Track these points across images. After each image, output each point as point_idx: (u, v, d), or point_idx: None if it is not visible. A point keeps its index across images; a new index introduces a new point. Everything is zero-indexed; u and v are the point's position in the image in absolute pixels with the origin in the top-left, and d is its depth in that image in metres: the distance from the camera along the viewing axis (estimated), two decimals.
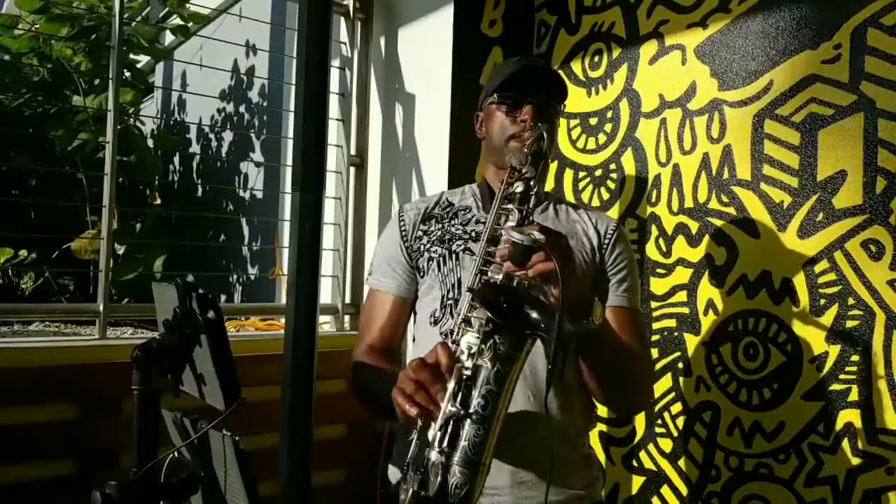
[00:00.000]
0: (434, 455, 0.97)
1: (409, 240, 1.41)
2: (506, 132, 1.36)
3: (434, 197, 1.49)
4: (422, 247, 1.40)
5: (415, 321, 1.45)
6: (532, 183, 1.16)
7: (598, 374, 1.27)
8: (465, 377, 0.99)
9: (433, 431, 0.99)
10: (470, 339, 1.05)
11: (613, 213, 1.98)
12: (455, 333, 1.10)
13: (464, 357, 1.03)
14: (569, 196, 2.11)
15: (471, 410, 0.97)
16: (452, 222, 1.41)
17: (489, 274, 1.12)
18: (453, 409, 0.97)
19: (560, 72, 1.43)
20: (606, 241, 1.40)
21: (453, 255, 1.36)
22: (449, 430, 0.97)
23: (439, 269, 1.36)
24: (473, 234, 1.37)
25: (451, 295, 1.34)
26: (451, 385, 0.99)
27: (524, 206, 1.15)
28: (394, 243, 1.43)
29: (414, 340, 1.46)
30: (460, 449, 0.96)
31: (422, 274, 1.39)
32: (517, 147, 1.31)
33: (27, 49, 3.10)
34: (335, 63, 2.32)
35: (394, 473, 1.41)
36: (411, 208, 1.46)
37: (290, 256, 1.22)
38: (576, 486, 1.29)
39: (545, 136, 1.22)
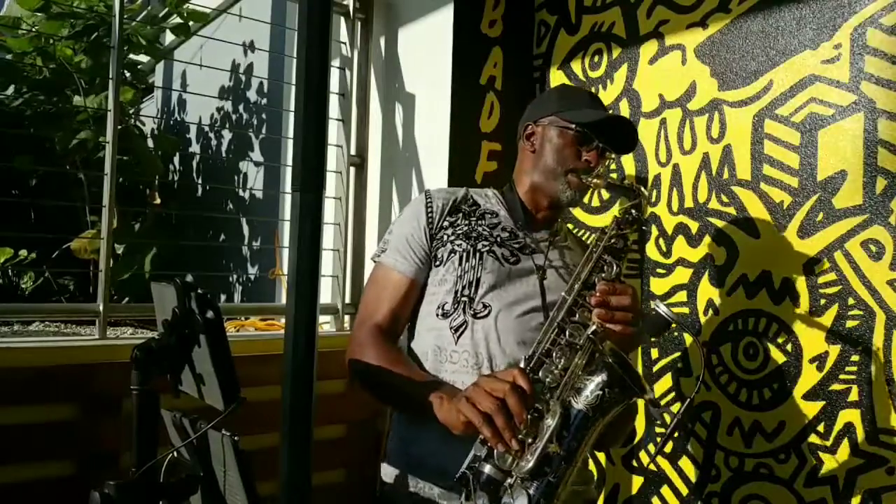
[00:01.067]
0: (516, 482, 1.06)
1: (434, 227, 1.40)
2: (567, 163, 1.37)
3: (460, 191, 1.48)
4: (445, 236, 1.39)
5: (418, 313, 1.43)
6: (629, 242, 1.25)
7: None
8: (561, 414, 1.08)
9: (520, 460, 1.07)
10: (551, 373, 1.15)
11: (613, 213, 1.98)
12: (532, 361, 1.16)
13: (546, 388, 1.13)
14: None
15: (564, 451, 1.06)
16: (479, 222, 1.41)
17: (576, 315, 1.21)
18: (553, 447, 1.06)
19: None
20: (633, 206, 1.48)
21: (477, 254, 1.36)
22: (540, 462, 1.05)
23: (460, 264, 1.35)
24: (499, 238, 1.39)
25: (465, 292, 1.34)
26: (551, 422, 1.06)
27: (620, 263, 1.23)
28: (418, 225, 1.41)
29: (412, 336, 1.44)
30: (545, 483, 1.05)
31: (437, 263, 1.38)
32: (574, 182, 1.36)
33: (30, 49, 3.10)
34: (335, 63, 2.32)
35: (389, 473, 1.40)
36: (439, 196, 1.44)
37: (290, 256, 1.22)
38: (575, 482, 1.30)
39: (642, 203, 1.26)
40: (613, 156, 1.47)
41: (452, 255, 1.37)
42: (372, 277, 1.45)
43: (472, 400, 1.07)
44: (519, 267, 1.37)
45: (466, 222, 1.41)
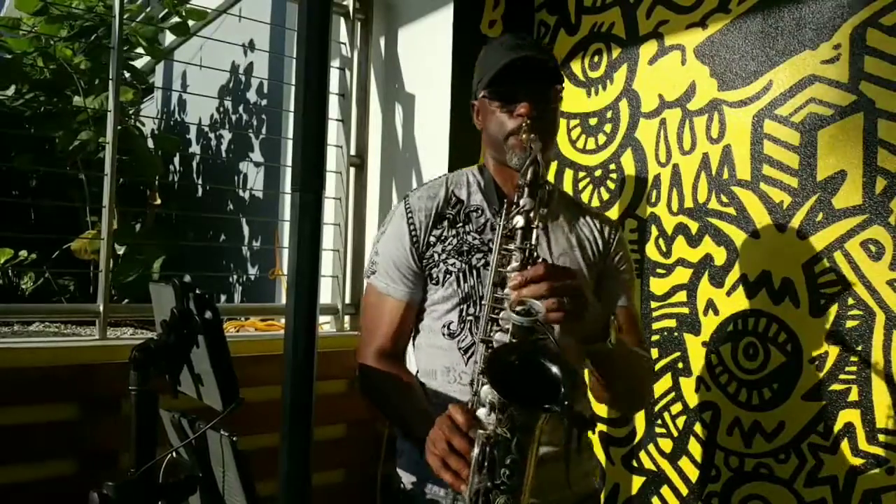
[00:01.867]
0: None
1: (421, 245, 1.35)
2: (504, 128, 1.30)
3: (439, 189, 1.40)
4: (436, 255, 1.34)
5: (420, 324, 1.40)
6: (532, 214, 1.13)
7: (612, 386, 1.30)
8: (487, 444, 0.97)
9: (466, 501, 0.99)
10: (489, 394, 1.02)
11: (613, 213, 1.98)
12: (475, 384, 1.09)
13: (484, 414, 1.01)
14: None
15: (497, 482, 0.95)
16: (466, 228, 1.35)
17: (499, 322, 1.10)
18: (480, 481, 0.96)
19: (549, 49, 1.35)
20: (610, 246, 1.41)
21: (474, 271, 1.31)
22: (480, 501, 0.96)
23: (458, 285, 1.31)
24: (490, 244, 1.31)
25: (471, 311, 1.30)
26: (474, 452, 0.97)
27: (526, 244, 1.11)
28: (402, 247, 1.36)
29: (417, 346, 1.42)
30: None
31: (434, 282, 1.34)
32: (517, 145, 1.27)
33: (30, 49, 3.10)
34: (335, 63, 2.32)
35: (405, 477, 1.40)
36: (420, 208, 1.37)
37: (290, 256, 1.22)
38: (574, 476, 1.33)
39: (540, 161, 1.17)
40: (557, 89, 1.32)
41: (449, 275, 1.32)
42: (367, 299, 1.43)
43: (428, 446, 1.07)
44: None
45: (454, 233, 1.34)
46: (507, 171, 1.36)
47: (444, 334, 1.33)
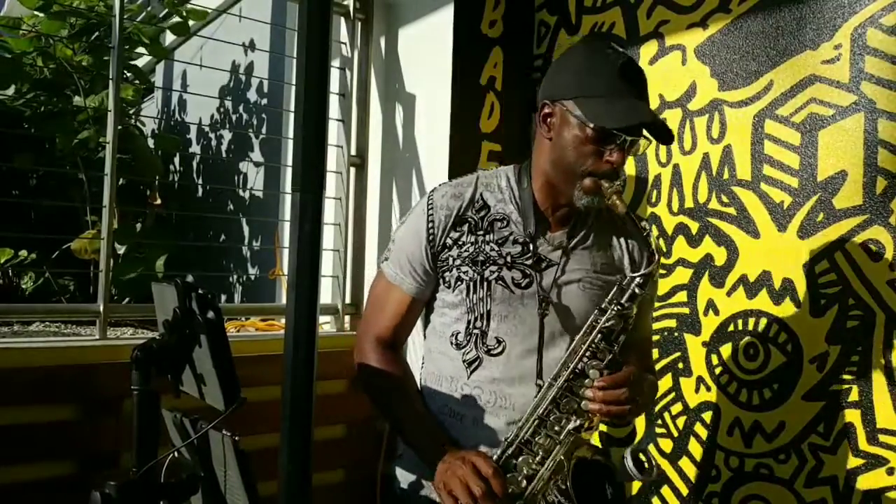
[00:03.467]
0: None
1: (437, 244, 1.31)
2: (586, 162, 1.21)
3: (468, 188, 1.33)
4: (450, 259, 1.31)
5: (428, 324, 1.40)
6: (629, 319, 1.20)
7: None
8: None
9: None
10: (528, 465, 1.15)
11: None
12: (511, 446, 1.17)
13: (521, 482, 1.13)
14: None
15: None
16: (486, 238, 1.30)
17: (562, 403, 1.18)
18: None
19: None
20: (640, 268, 1.30)
21: (485, 283, 1.28)
22: None
23: (467, 295, 1.29)
24: (509, 258, 1.28)
25: (477, 324, 1.29)
26: None
27: (615, 345, 1.19)
28: (418, 242, 1.32)
29: (427, 348, 1.41)
30: None
31: (446, 285, 1.32)
32: (592, 187, 1.21)
33: (30, 49, 3.10)
34: (335, 63, 2.32)
35: (405, 476, 1.40)
36: (442, 206, 1.31)
37: (290, 256, 1.22)
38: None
39: (655, 260, 1.20)
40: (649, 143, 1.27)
41: (459, 283, 1.30)
42: (376, 284, 1.41)
43: (449, 488, 1.12)
44: (531, 291, 1.29)
45: (472, 240, 1.30)
46: (555, 195, 1.30)
47: (451, 343, 1.32)
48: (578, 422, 1.15)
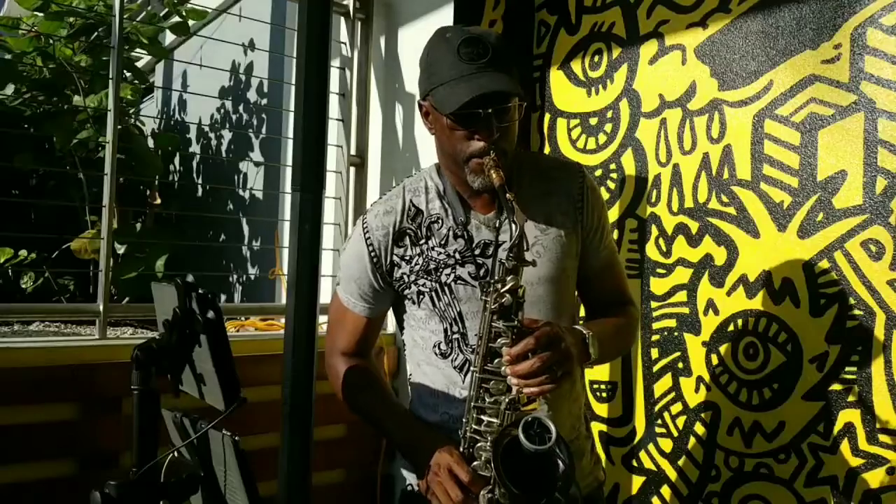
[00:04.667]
0: None
1: (383, 266, 1.31)
2: (463, 150, 1.21)
3: (397, 199, 1.33)
4: (404, 277, 1.30)
5: (406, 335, 1.39)
6: (520, 291, 1.14)
7: (602, 362, 1.35)
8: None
9: None
10: (486, 451, 1.14)
11: (613, 213, 1.98)
12: (467, 445, 1.17)
13: (480, 465, 1.14)
14: None
15: None
16: (430, 244, 1.29)
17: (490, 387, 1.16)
18: None
19: (506, 48, 1.22)
20: (581, 202, 1.33)
21: (446, 288, 1.28)
22: None
23: (434, 305, 1.29)
24: (458, 255, 1.28)
25: (454, 329, 1.29)
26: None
27: (515, 319, 1.13)
28: (363, 268, 1.31)
29: (413, 362, 1.40)
30: None
31: (412, 301, 1.31)
32: (478, 168, 1.21)
33: (30, 49, 3.10)
34: (335, 63, 2.32)
35: (405, 477, 1.40)
36: (377, 226, 1.30)
37: (290, 256, 1.22)
38: (584, 467, 1.36)
39: (515, 228, 1.14)
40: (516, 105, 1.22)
41: (422, 296, 1.29)
42: (333, 305, 1.41)
43: (432, 491, 1.16)
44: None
45: (418, 251, 1.29)
46: (460, 184, 1.30)
47: (436, 354, 1.32)
48: (509, 398, 1.14)
